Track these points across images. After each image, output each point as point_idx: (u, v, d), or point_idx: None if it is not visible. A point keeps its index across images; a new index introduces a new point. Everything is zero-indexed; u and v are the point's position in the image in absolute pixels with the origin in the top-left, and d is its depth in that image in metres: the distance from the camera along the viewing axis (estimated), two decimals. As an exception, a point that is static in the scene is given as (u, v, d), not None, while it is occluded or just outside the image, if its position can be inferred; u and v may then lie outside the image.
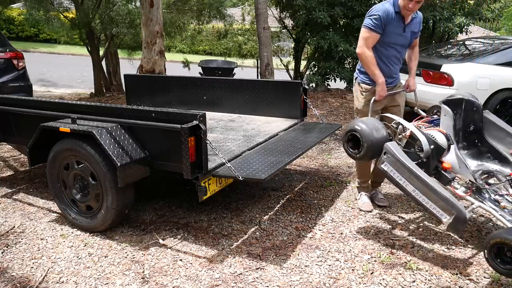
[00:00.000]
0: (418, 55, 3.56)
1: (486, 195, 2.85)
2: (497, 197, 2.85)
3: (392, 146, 2.77)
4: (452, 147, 2.94)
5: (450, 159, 2.95)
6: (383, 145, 2.79)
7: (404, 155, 2.74)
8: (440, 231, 3.17)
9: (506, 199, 2.83)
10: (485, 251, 2.35)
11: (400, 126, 3.07)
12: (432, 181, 2.63)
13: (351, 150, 2.95)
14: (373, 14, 3.15)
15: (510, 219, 2.65)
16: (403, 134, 3.01)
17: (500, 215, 2.68)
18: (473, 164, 3.07)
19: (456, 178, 2.97)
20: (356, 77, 3.48)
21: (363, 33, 3.20)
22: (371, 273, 2.62)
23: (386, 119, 3.23)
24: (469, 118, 3.17)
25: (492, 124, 3.19)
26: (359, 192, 3.70)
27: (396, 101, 3.48)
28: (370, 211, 3.49)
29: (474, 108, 3.18)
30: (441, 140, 2.90)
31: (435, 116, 3.33)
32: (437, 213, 2.58)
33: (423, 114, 3.44)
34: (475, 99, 3.18)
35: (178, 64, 11.90)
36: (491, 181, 2.98)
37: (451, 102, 3.16)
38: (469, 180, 2.93)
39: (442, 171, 2.90)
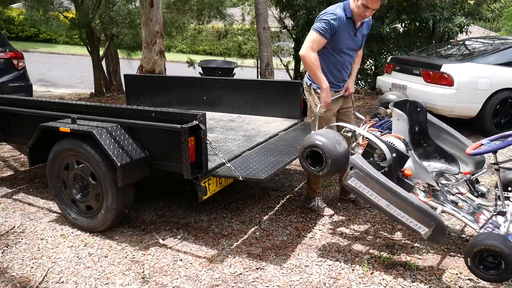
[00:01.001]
0: (361, 58, 3.47)
1: (444, 197, 2.80)
2: (452, 197, 2.82)
3: (358, 159, 2.58)
4: (410, 152, 2.81)
5: (409, 165, 2.81)
6: (346, 158, 2.60)
7: (372, 168, 2.56)
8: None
9: (461, 198, 2.83)
10: (468, 259, 2.31)
11: (357, 133, 2.92)
12: (406, 193, 2.50)
13: (311, 168, 2.65)
14: (324, 19, 3.01)
15: (472, 219, 2.66)
16: (358, 142, 2.91)
17: (463, 216, 2.66)
18: (433, 182, 2.92)
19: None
20: (310, 83, 3.27)
21: (311, 35, 3.07)
22: (371, 273, 2.62)
23: (338, 127, 3.13)
24: (414, 119, 3.10)
25: (432, 125, 3.19)
26: (312, 199, 3.50)
27: (348, 103, 3.41)
28: (333, 215, 3.42)
29: (418, 109, 3.13)
30: (401, 147, 2.77)
31: (376, 119, 3.30)
32: (414, 227, 2.46)
33: (362, 117, 3.36)
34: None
35: (179, 64, 11.93)
36: (442, 181, 2.93)
37: (399, 105, 3.03)
38: (428, 184, 2.86)
39: (405, 179, 2.74)
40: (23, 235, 3.16)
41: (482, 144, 2.66)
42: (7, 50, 5.87)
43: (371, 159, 2.70)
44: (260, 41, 8.30)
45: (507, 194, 2.76)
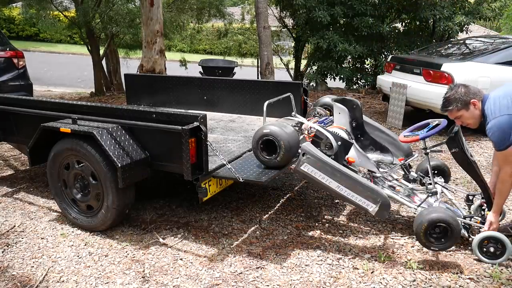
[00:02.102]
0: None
1: (383, 183, 3.13)
2: (389, 183, 3.16)
3: (309, 146, 2.80)
4: (352, 141, 3.14)
5: (352, 153, 3.13)
6: (297, 143, 2.82)
7: (322, 153, 2.81)
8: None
9: (397, 184, 3.17)
10: (421, 235, 2.63)
11: (304, 126, 3.22)
12: (354, 174, 2.77)
13: (267, 157, 2.87)
14: None
15: (408, 200, 3.03)
16: (304, 134, 3.14)
17: (401, 198, 3.01)
18: (374, 169, 3.23)
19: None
20: None
21: None
22: (372, 272, 2.63)
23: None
24: (351, 115, 3.40)
25: (367, 123, 3.59)
26: None
27: None
28: None
29: (354, 106, 3.49)
30: (345, 136, 3.11)
31: (316, 118, 3.58)
32: (363, 205, 2.73)
33: (303, 119, 3.52)
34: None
35: (179, 63, 11.90)
36: (380, 170, 3.24)
37: (338, 101, 3.38)
38: (368, 171, 3.16)
39: (349, 166, 3.03)
40: (23, 234, 3.17)
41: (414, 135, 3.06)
42: (8, 49, 5.87)
43: (319, 148, 2.96)
44: (260, 40, 8.30)
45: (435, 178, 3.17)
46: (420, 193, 3.16)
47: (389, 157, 3.39)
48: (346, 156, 3.09)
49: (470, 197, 3.16)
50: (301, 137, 3.15)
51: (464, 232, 2.83)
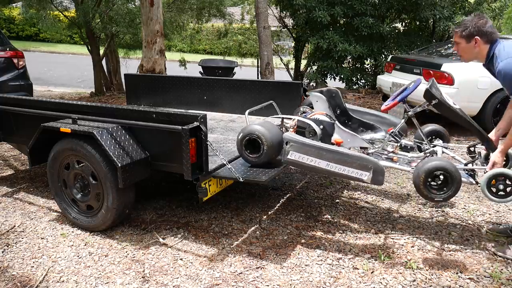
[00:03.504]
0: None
1: (378, 158, 3.12)
2: (386, 156, 3.19)
3: (290, 134, 2.89)
4: (335, 123, 3.24)
5: (337, 134, 3.22)
6: (280, 136, 2.88)
7: (304, 138, 2.88)
8: (441, 230, 3.18)
9: (394, 155, 3.17)
10: (420, 186, 2.61)
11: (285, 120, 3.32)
12: (340, 148, 2.83)
13: (251, 156, 2.92)
14: None
15: (406, 165, 3.02)
16: (287, 127, 3.23)
17: (399, 165, 3.03)
18: (365, 144, 3.35)
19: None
20: None
21: None
22: (372, 272, 2.63)
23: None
24: (333, 104, 3.56)
25: (352, 110, 3.73)
26: None
27: None
28: None
29: (333, 95, 3.62)
30: (325, 118, 3.22)
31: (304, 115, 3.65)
32: (356, 175, 2.72)
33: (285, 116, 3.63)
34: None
35: (178, 63, 11.90)
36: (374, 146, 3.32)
37: (319, 96, 3.48)
38: (361, 148, 3.24)
39: (337, 147, 3.07)
40: (23, 234, 3.17)
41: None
42: (8, 49, 5.87)
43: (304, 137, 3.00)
44: (260, 40, 8.30)
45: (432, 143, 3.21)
46: (420, 158, 3.15)
47: (380, 133, 3.46)
48: (333, 139, 3.16)
49: (472, 149, 3.08)
50: (284, 131, 3.23)
51: (470, 179, 2.80)
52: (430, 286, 2.49)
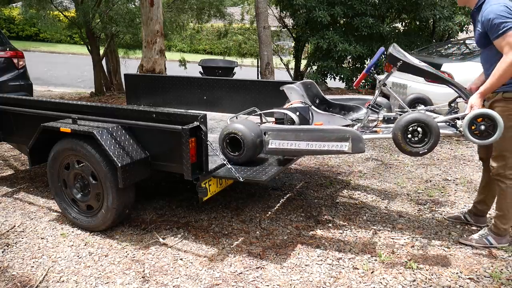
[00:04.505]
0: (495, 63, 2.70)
1: (363, 132, 3.16)
2: (370, 130, 3.22)
3: (266, 125, 2.97)
4: (311, 108, 3.40)
5: (317, 118, 3.36)
6: (260, 137, 2.93)
7: (279, 125, 2.97)
8: (441, 230, 3.18)
9: (377, 128, 3.19)
10: (402, 145, 2.63)
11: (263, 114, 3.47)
12: (314, 126, 2.89)
13: (233, 154, 2.96)
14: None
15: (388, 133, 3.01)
16: (267, 121, 3.32)
17: (382, 134, 3.01)
18: (347, 121, 3.45)
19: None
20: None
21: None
22: (372, 272, 2.63)
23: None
24: (311, 94, 3.67)
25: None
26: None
27: None
28: None
29: (309, 86, 3.73)
30: (299, 105, 3.34)
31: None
32: (337, 148, 2.76)
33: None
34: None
35: (178, 63, 11.91)
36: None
37: (292, 87, 3.60)
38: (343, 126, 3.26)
39: None
40: (23, 234, 3.17)
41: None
42: (8, 49, 5.87)
43: None
44: (260, 40, 8.30)
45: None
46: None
47: (362, 111, 3.53)
48: (313, 123, 3.28)
49: (453, 104, 3.11)
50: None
51: (453, 130, 2.80)
52: (430, 286, 2.49)
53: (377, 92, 3.27)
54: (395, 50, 3.02)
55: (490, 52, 2.65)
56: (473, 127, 2.54)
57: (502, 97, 2.65)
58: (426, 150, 2.64)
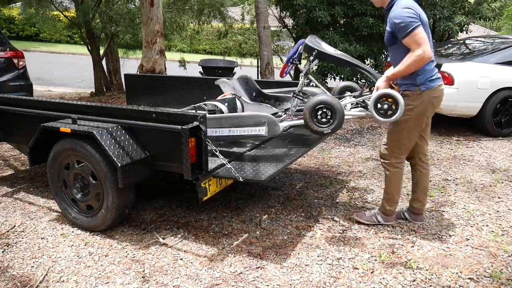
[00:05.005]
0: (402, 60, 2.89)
1: (291, 119, 3.40)
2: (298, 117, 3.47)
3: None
4: (241, 99, 3.70)
5: (247, 108, 3.67)
6: None
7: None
8: (441, 230, 3.18)
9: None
10: (311, 125, 2.91)
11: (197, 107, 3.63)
12: (234, 113, 3.13)
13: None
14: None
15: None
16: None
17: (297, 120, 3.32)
18: (273, 109, 3.77)
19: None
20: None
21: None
22: (372, 272, 2.63)
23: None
24: (248, 88, 3.96)
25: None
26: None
27: None
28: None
29: (246, 80, 4.00)
30: (229, 96, 3.65)
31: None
32: (255, 132, 2.99)
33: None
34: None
35: (178, 63, 11.91)
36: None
37: (225, 81, 3.88)
38: (272, 115, 3.43)
39: None
40: (23, 234, 3.17)
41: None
42: (8, 49, 5.87)
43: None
44: (260, 40, 8.30)
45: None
46: None
47: (295, 101, 3.70)
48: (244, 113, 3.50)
49: (373, 88, 3.21)
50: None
51: (366, 111, 3.09)
52: (430, 286, 2.49)
53: (301, 81, 3.53)
54: (311, 40, 3.25)
55: (398, 50, 2.86)
56: (378, 106, 2.80)
57: (401, 94, 2.86)
58: (330, 130, 2.92)
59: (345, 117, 3.01)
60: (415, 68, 2.75)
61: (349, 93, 3.53)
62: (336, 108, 2.86)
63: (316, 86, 3.78)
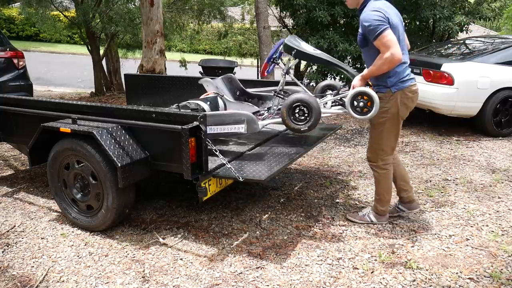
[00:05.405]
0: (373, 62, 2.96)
1: (273, 117, 3.52)
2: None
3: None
4: (224, 98, 3.77)
5: (230, 107, 3.75)
6: None
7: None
8: (441, 230, 3.18)
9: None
10: (288, 123, 3.01)
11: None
12: (216, 112, 3.23)
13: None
14: None
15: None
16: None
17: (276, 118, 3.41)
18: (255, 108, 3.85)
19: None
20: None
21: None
22: (372, 272, 2.63)
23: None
24: (232, 87, 4.03)
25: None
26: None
27: None
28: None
29: (230, 80, 4.07)
30: (211, 95, 3.75)
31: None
32: (235, 130, 3.04)
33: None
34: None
35: (178, 63, 11.91)
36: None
37: (208, 80, 3.95)
38: (254, 113, 3.57)
39: None
40: (23, 234, 3.17)
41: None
42: (8, 49, 5.87)
43: None
44: (260, 41, 8.29)
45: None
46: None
47: (277, 99, 3.80)
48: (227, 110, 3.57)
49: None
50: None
51: (343, 109, 3.18)
52: (430, 286, 2.49)
53: (282, 80, 3.61)
54: (290, 40, 3.30)
55: (369, 52, 2.93)
56: (355, 104, 2.88)
57: None
58: (306, 128, 2.99)
59: (324, 115, 3.12)
60: (386, 70, 2.81)
61: (330, 92, 3.60)
62: (312, 106, 2.94)
63: (296, 84, 3.85)
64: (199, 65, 9.92)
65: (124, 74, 5.49)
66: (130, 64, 10.72)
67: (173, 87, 4.98)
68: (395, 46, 2.71)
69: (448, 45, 7.24)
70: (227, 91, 3.98)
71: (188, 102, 3.57)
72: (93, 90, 10.09)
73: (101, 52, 10.19)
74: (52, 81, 13.21)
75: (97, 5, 9.13)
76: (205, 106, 3.53)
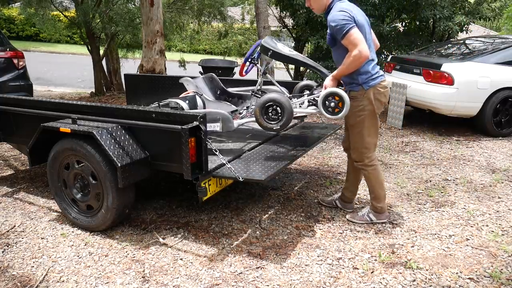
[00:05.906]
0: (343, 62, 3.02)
1: (250, 116, 3.58)
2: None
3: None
4: (203, 96, 3.85)
5: (209, 106, 3.81)
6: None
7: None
8: (441, 230, 3.18)
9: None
10: (261, 121, 3.05)
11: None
12: (192, 110, 3.30)
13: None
14: None
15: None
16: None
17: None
18: (233, 107, 3.92)
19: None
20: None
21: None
22: (372, 272, 2.63)
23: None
24: (212, 86, 4.15)
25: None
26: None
27: None
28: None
29: (211, 79, 4.19)
30: (190, 94, 3.83)
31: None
32: (211, 128, 3.14)
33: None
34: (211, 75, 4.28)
35: (178, 63, 11.91)
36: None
37: (188, 80, 4.03)
38: (231, 112, 3.70)
39: None
40: (23, 234, 3.17)
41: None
42: (8, 50, 5.87)
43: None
44: (260, 40, 8.29)
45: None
46: None
47: (249, 100, 3.94)
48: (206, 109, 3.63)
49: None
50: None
51: (316, 109, 3.24)
52: (430, 286, 2.49)
53: (259, 80, 3.70)
54: (266, 41, 3.35)
55: (338, 51, 3.01)
56: (326, 104, 2.94)
57: (349, 96, 2.99)
58: (279, 127, 3.04)
59: (298, 114, 3.23)
60: (355, 67, 2.89)
61: (307, 92, 3.63)
62: (284, 105, 2.99)
63: (273, 84, 3.91)
64: (199, 65, 9.91)
65: (124, 74, 5.49)
66: (130, 64, 10.72)
67: (173, 87, 4.97)
68: (361, 44, 2.79)
69: (448, 45, 7.24)
70: (208, 90, 4.07)
71: (169, 101, 3.65)
72: (93, 90, 10.09)
73: (101, 52, 10.18)
74: (52, 81, 13.21)
75: (97, 5, 9.13)
76: (184, 104, 3.60)
